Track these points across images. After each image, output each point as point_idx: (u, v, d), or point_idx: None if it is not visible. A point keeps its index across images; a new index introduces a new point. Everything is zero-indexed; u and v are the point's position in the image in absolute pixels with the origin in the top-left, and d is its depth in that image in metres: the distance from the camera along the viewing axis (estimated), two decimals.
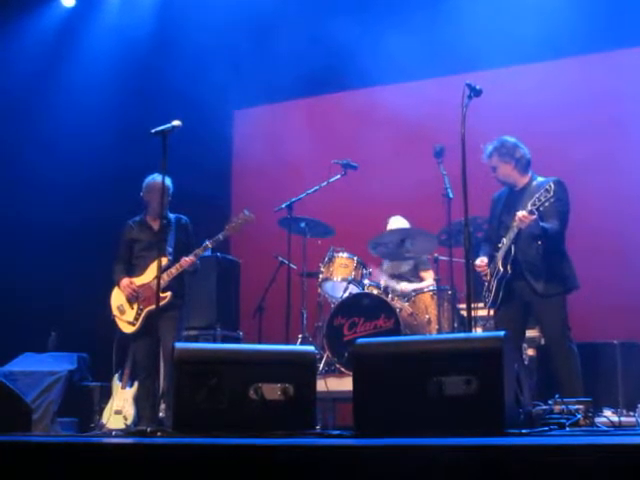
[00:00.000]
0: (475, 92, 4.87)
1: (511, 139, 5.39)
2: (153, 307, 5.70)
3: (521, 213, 4.94)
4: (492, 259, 5.31)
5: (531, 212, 4.91)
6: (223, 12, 8.19)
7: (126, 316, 5.99)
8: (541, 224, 5.02)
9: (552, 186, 4.84)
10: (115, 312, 6.03)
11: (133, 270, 6.06)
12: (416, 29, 7.39)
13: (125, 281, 5.99)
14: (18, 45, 8.36)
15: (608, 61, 7.53)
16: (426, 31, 7.36)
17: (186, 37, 8.41)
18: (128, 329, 5.99)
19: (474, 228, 5.39)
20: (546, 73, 7.61)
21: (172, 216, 6.05)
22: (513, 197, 5.38)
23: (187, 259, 5.87)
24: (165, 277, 5.65)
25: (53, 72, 8.48)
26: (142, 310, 5.93)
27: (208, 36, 8.22)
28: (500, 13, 7.17)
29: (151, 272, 5.87)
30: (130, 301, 5.98)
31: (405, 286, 6.65)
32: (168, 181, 5.77)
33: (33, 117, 8.06)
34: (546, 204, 4.87)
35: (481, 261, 5.34)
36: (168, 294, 5.72)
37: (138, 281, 5.97)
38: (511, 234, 5.14)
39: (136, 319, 5.94)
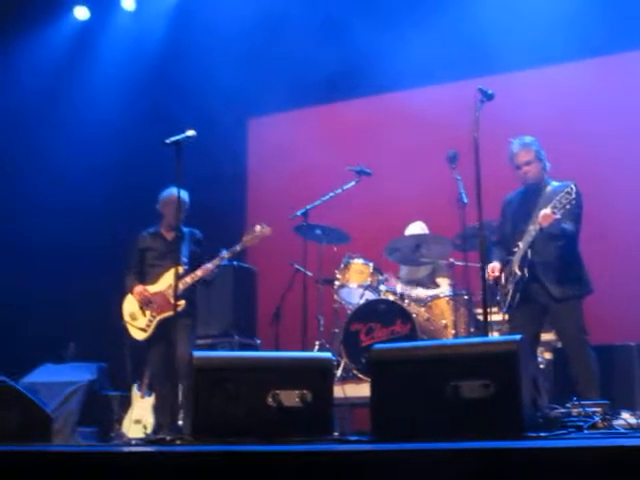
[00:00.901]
0: (487, 96, 4.88)
1: (536, 141, 5.40)
2: (166, 315, 5.75)
3: (544, 212, 4.94)
4: (507, 263, 5.30)
5: (553, 212, 4.92)
6: (236, 21, 8.23)
7: (138, 322, 6.02)
8: (562, 225, 5.02)
9: (573, 188, 4.85)
10: (127, 318, 6.06)
11: (145, 278, 6.09)
12: (429, 35, 7.38)
13: (139, 288, 6.01)
14: (33, 58, 8.43)
15: (622, 63, 7.50)
16: (439, 36, 7.35)
17: (199, 47, 8.44)
18: (139, 335, 6.02)
19: (489, 232, 5.38)
20: (559, 76, 7.58)
21: (186, 229, 6.07)
22: (528, 200, 5.35)
23: (205, 267, 5.89)
24: (180, 286, 5.67)
25: (67, 84, 8.54)
26: (154, 317, 5.95)
27: (222, 45, 8.24)
28: (514, 17, 7.16)
29: (164, 281, 5.91)
30: (143, 308, 6.00)
31: (421, 292, 6.64)
32: (184, 195, 5.81)
33: (49, 127, 8.11)
34: (567, 206, 4.86)
35: (492, 269, 5.31)
36: (182, 302, 5.73)
37: (151, 289, 6.00)
38: (528, 237, 5.12)
39: (148, 326, 5.97)
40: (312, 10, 7.94)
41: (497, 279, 5.31)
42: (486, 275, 5.24)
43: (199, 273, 5.91)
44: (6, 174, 6.74)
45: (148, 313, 5.99)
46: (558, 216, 4.91)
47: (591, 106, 7.39)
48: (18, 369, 6.50)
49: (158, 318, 5.92)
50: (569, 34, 7.21)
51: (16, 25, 8.18)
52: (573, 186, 4.88)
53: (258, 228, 6.03)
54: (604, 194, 6.65)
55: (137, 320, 6.02)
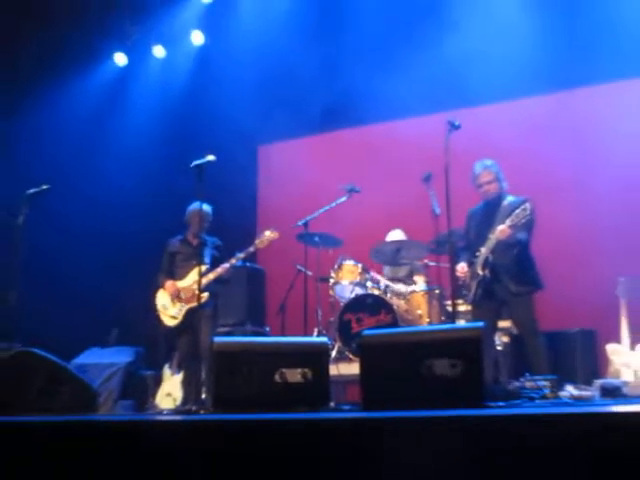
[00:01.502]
0: (455, 127, 4.90)
1: (496, 164, 5.42)
2: (192, 305, 5.75)
3: (502, 227, 4.99)
4: (471, 264, 5.32)
5: (510, 227, 4.96)
6: (248, 63, 8.26)
7: (169, 312, 6.03)
8: (516, 236, 5.06)
9: (528, 206, 4.91)
10: (160, 308, 6.08)
11: (174, 277, 6.11)
12: (408, 75, 7.39)
13: (169, 282, 6.03)
14: (80, 95, 8.43)
15: (570, 98, 7.51)
16: (416, 77, 7.33)
17: (216, 86, 8.46)
18: (171, 322, 6.03)
19: (457, 238, 5.39)
20: (517, 108, 7.60)
21: (208, 238, 6.09)
22: (488, 213, 5.38)
23: (224, 266, 5.92)
24: (203, 281, 5.68)
25: (109, 116, 8.56)
26: (183, 307, 5.97)
27: (235, 84, 8.26)
28: (480, 60, 7.15)
29: (190, 277, 5.93)
30: (173, 299, 6.02)
31: (401, 287, 6.64)
32: (208, 208, 5.84)
33: (96, 153, 8.12)
34: (523, 220, 4.94)
35: (462, 268, 5.35)
36: (206, 294, 5.75)
37: (180, 284, 6.02)
38: (489, 244, 5.15)
39: (178, 314, 5.99)
40: (312, 54, 7.95)
41: (464, 276, 5.34)
42: (456, 273, 5.26)
43: (219, 270, 5.92)
44: (68, 188, 6.71)
45: (178, 304, 6.00)
46: (513, 230, 4.98)
47: (545, 134, 7.40)
48: (69, 352, 6.49)
49: (186, 307, 5.94)
50: (526, 73, 7.20)
51: (67, 68, 8.18)
52: (528, 205, 4.96)
53: (267, 232, 6.06)
54: (555, 205, 6.67)
55: (169, 310, 6.03)
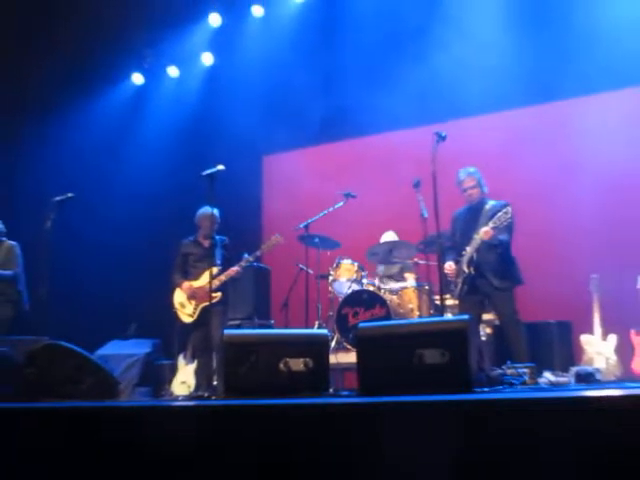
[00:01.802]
0: (442, 138, 4.91)
1: (477, 170, 5.44)
2: (206, 304, 5.75)
3: (485, 229, 5.00)
4: (457, 263, 5.33)
5: (493, 229, 4.97)
6: (253, 80, 8.30)
7: (186, 310, 6.03)
8: (498, 237, 5.06)
9: (509, 210, 4.93)
10: (177, 306, 6.08)
11: (188, 276, 6.11)
12: (399, 91, 7.41)
13: (186, 284, 6.03)
14: (103, 112, 8.47)
15: (552, 110, 7.52)
16: (406, 93, 7.37)
17: (225, 101, 8.49)
18: (187, 319, 6.04)
19: (444, 239, 5.40)
20: (497, 120, 7.61)
21: (217, 237, 6.09)
22: (472, 215, 5.39)
23: (234, 269, 5.92)
24: (216, 282, 5.68)
25: (129, 129, 8.59)
26: (198, 306, 5.96)
27: (242, 100, 8.29)
28: (468, 75, 7.17)
29: (204, 278, 5.92)
30: (189, 299, 6.02)
31: (393, 284, 6.64)
32: (216, 212, 5.83)
33: (116, 163, 8.14)
34: (505, 223, 4.95)
35: (449, 266, 5.35)
36: (219, 294, 5.75)
37: (195, 284, 6.02)
38: (474, 244, 5.16)
39: (194, 312, 5.98)
40: (311, 73, 7.97)
41: (452, 274, 5.34)
42: (444, 270, 5.27)
43: (231, 272, 5.92)
44: (91, 195, 6.71)
45: (193, 302, 6.00)
46: (495, 232, 4.99)
47: (525, 144, 7.40)
48: (93, 344, 6.50)
49: (201, 306, 5.94)
50: (508, 88, 7.20)
51: (91, 86, 8.22)
52: (509, 208, 4.99)
53: (274, 237, 6.06)
54: (535, 209, 6.67)
55: (186, 308, 6.04)
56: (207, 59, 8.83)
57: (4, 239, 6.51)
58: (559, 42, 6.99)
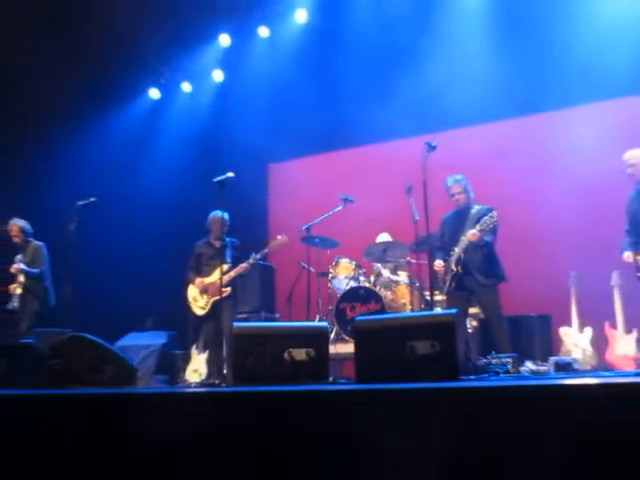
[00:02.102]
0: (432, 148, 4.90)
1: (464, 177, 5.44)
2: (217, 298, 5.75)
3: (472, 231, 5.02)
4: (445, 261, 5.33)
5: (479, 231, 5.00)
6: (259, 93, 8.29)
7: (198, 303, 6.04)
8: (484, 238, 5.07)
9: (495, 214, 4.94)
10: (190, 300, 6.10)
11: (200, 274, 6.12)
12: (394, 104, 7.42)
13: (198, 280, 6.05)
14: (123, 123, 8.49)
15: (530, 122, 7.51)
16: (400, 106, 7.36)
17: (233, 113, 8.51)
18: (200, 312, 6.05)
19: (433, 240, 5.39)
20: (483, 132, 7.61)
21: (228, 239, 6.09)
22: (459, 219, 5.40)
23: (242, 266, 5.93)
24: (226, 278, 5.68)
25: (145, 140, 8.60)
26: (209, 300, 5.97)
27: (249, 111, 8.30)
28: (455, 91, 7.14)
29: (215, 275, 5.92)
30: (201, 293, 6.02)
31: (388, 281, 6.63)
32: (226, 215, 5.83)
33: (134, 170, 8.16)
34: (490, 226, 4.96)
35: (439, 264, 5.36)
36: (228, 289, 5.76)
37: (207, 280, 6.02)
38: (462, 245, 5.17)
39: (205, 305, 5.99)
40: (313, 87, 7.97)
41: (440, 272, 5.34)
42: (434, 268, 5.27)
43: (239, 269, 5.92)
44: (111, 200, 6.70)
45: (205, 297, 6.00)
46: (481, 234, 5.02)
47: (508, 153, 7.38)
48: (113, 336, 6.50)
49: (212, 300, 5.94)
50: (491, 102, 7.20)
51: (112, 99, 8.24)
52: (495, 213, 5.00)
53: (279, 237, 6.06)
54: (517, 211, 6.64)
55: (198, 302, 6.04)
56: (217, 76, 8.85)
57: (31, 239, 6.51)
58: (540, 59, 6.97)
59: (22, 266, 6.22)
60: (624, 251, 5.26)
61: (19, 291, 6.18)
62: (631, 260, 5.12)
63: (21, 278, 6.22)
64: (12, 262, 6.27)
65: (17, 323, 6.18)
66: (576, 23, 6.77)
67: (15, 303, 6.16)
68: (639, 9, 6.56)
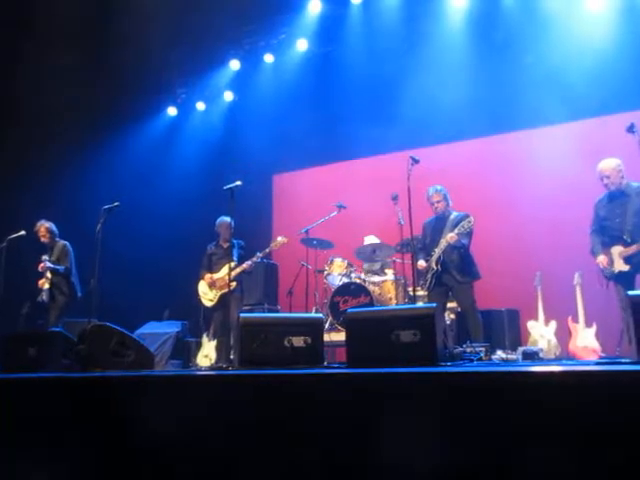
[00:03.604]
0: (415, 161, 4.91)
1: (443, 187, 5.44)
2: (224, 291, 5.75)
3: (451, 234, 5.02)
4: (427, 261, 5.33)
5: (457, 234, 5.01)
6: (264, 112, 8.29)
7: (208, 296, 6.03)
8: (461, 241, 5.07)
9: (471, 220, 4.95)
10: (201, 294, 6.10)
11: (211, 271, 6.12)
12: (379, 121, 7.43)
13: (208, 275, 6.05)
14: (143, 137, 8.48)
15: (505, 140, 7.51)
16: (386, 123, 7.37)
17: (242, 128, 8.53)
18: (209, 304, 6.05)
19: (416, 242, 5.40)
20: (461, 148, 7.62)
21: (235, 241, 6.08)
22: (439, 223, 5.40)
23: (247, 263, 5.93)
24: (232, 274, 5.68)
25: (163, 153, 8.58)
26: (217, 293, 5.96)
27: (256, 128, 8.31)
28: (437, 112, 7.16)
29: (223, 271, 5.92)
30: (210, 287, 6.02)
31: (375, 278, 6.63)
32: (231, 220, 5.81)
33: (154, 178, 8.14)
34: (468, 230, 4.96)
35: (421, 264, 5.36)
36: (234, 283, 5.74)
37: (215, 276, 6.02)
38: (441, 246, 5.17)
39: (214, 297, 5.99)
40: (312, 107, 8.00)
41: (422, 270, 5.34)
42: (417, 267, 5.27)
43: (244, 266, 5.92)
44: (133, 205, 6.66)
45: (214, 290, 5.99)
46: (458, 237, 5.06)
47: (484, 166, 7.42)
48: (134, 325, 6.51)
49: (220, 293, 5.93)
50: (468, 121, 7.22)
51: (134, 116, 8.25)
52: (471, 218, 5.02)
53: (279, 238, 6.06)
54: (491, 217, 6.63)
55: (207, 294, 6.03)
56: (228, 96, 8.87)
57: (58, 239, 6.46)
58: (514, 82, 6.97)
59: (48, 264, 6.17)
60: (596, 253, 4.98)
61: (47, 286, 6.14)
62: (605, 264, 4.86)
63: (48, 274, 6.18)
64: (40, 260, 6.23)
65: (46, 314, 6.15)
66: (548, 48, 6.80)
67: (44, 296, 6.13)
68: (605, 34, 6.55)
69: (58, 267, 6.23)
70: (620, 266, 4.77)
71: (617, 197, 4.85)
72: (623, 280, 4.77)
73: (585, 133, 6.78)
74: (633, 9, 6.61)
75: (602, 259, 4.89)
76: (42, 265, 6.16)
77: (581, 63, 6.50)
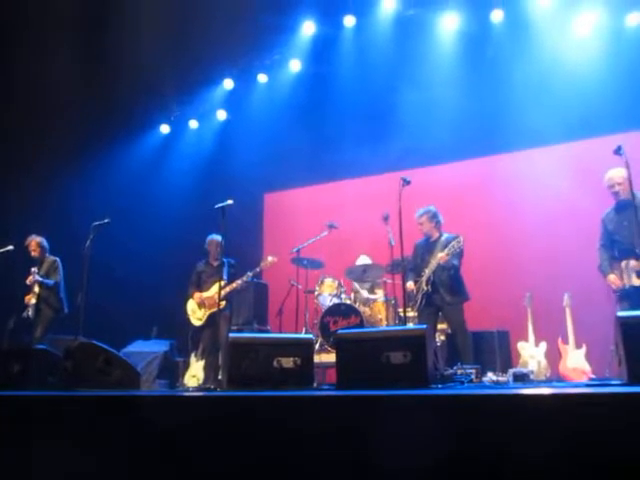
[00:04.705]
0: (406, 182, 4.91)
1: (434, 209, 5.44)
2: (213, 310, 5.70)
3: (441, 255, 5.02)
4: (416, 282, 5.32)
5: (447, 255, 5.01)
6: (256, 131, 8.33)
7: (196, 315, 5.98)
8: (452, 261, 5.07)
9: (461, 241, 4.95)
10: (189, 312, 6.04)
11: (200, 289, 6.07)
12: (371, 145, 7.49)
13: (197, 294, 6.00)
14: (135, 154, 8.48)
15: (495, 161, 7.59)
16: (377, 145, 7.43)
17: (233, 148, 8.53)
18: (197, 323, 5.99)
19: (406, 262, 5.40)
20: (451, 169, 7.68)
21: (225, 259, 6.05)
22: (430, 244, 5.40)
23: (237, 282, 5.89)
24: (222, 293, 5.63)
25: (156, 171, 8.57)
26: (206, 312, 5.91)
27: (248, 147, 8.33)
28: (427, 135, 7.23)
29: (213, 290, 5.88)
30: (199, 306, 5.96)
31: (366, 297, 6.61)
32: (220, 238, 5.78)
33: (145, 196, 8.12)
34: (458, 250, 4.96)
35: (410, 286, 5.35)
36: (223, 303, 5.69)
37: (205, 295, 5.97)
38: (432, 267, 5.17)
39: (202, 317, 5.93)
40: (303, 127, 8.03)
41: (413, 292, 5.33)
42: (406, 289, 5.25)
43: (234, 285, 5.88)
44: (123, 222, 6.61)
45: (202, 309, 5.94)
46: (449, 257, 5.02)
47: (473, 188, 7.47)
48: (120, 343, 6.42)
49: (208, 312, 5.88)
50: (457, 144, 7.30)
51: (127, 133, 8.26)
52: (461, 239, 5.02)
53: (269, 258, 6.03)
54: (481, 239, 6.66)
55: (196, 313, 5.98)
56: (221, 115, 8.89)
57: (48, 254, 6.42)
58: (504, 105, 7.05)
59: (37, 277, 6.11)
60: (605, 271, 4.78)
61: (33, 301, 6.07)
62: (617, 284, 4.63)
63: (36, 289, 6.11)
64: (29, 273, 6.17)
65: (32, 330, 6.07)
66: (539, 71, 6.90)
67: (29, 312, 6.05)
68: (591, 58, 6.66)
69: (47, 281, 6.17)
70: (634, 281, 4.53)
71: (624, 208, 4.69)
72: (636, 296, 4.51)
73: (574, 155, 6.87)
74: (620, 32, 6.74)
75: (613, 279, 4.66)
76: (31, 278, 6.10)
77: (571, 86, 6.60)
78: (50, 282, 6.19)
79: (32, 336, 6.01)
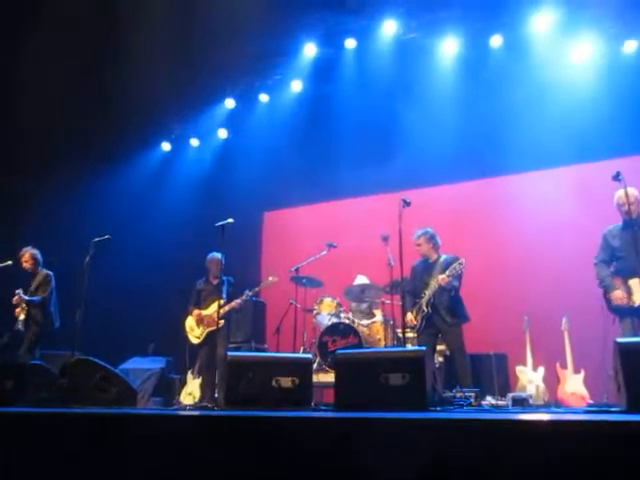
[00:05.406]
0: (407, 203, 4.92)
1: (431, 230, 5.45)
2: (212, 329, 5.68)
3: (442, 276, 5.01)
4: (415, 304, 5.31)
5: (448, 276, 5.02)
6: (256, 151, 8.37)
7: (194, 333, 5.95)
8: (452, 283, 5.07)
9: (462, 263, 4.95)
10: (187, 330, 6.01)
11: (199, 307, 6.05)
12: (371, 166, 7.52)
13: (196, 311, 5.97)
14: (136, 172, 8.50)
15: (488, 184, 7.63)
16: (376, 166, 7.47)
17: (233, 167, 8.57)
18: (195, 341, 5.96)
19: (405, 283, 5.39)
20: (449, 191, 7.71)
21: (224, 277, 6.04)
22: (428, 266, 5.40)
23: (236, 301, 5.87)
24: (221, 311, 5.62)
25: (157, 187, 8.61)
26: (205, 330, 5.88)
27: (247, 166, 8.36)
28: (426, 158, 7.28)
29: (212, 308, 5.86)
30: (197, 324, 5.94)
31: (364, 318, 6.58)
32: (221, 256, 5.77)
33: (145, 213, 8.12)
34: (458, 272, 4.96)
35: (410, 318, 5.29)
36: (222, 321, 5.67)
37: (204, 312, 5.95)
38: (432, 288, 5.16)
39: (201, 334, 5.90)
40: (302, 148, 8.10)
41: (413, 323, 5.30)
42: (407, 321, 5.20)
43: (233, 304, 5.86)
44: (124, 238, 6.60)
45: (201, 327, 5.91)
46: (450, 279, 5.01)
47: (471, 209, 7.49)
48: (117, 360, 6.37)
49: (207, 330, 5.85)
50: (455, 166, 7.34)
51: (129, 151, 8.30)
52: (463, 261, 5.02)
53: (270, 278, 6.03)
54: (479, 262, 6.65)
55: (194, 331, 5.95)
56: (222, 134, 8.94)
57: (41, 268, 6.37)
58: (501, 130, 7.11)
59: (22, 296, 6.07)
60: (608, 286, 4.68)
61: (22, 317, 6.03)
62: (623, 300, 4.53)
63: (24, 304, 6.08)
64: (20, 287, 6.14)
65: (20, 345, 6.03)
66: (537, 96, 6.96)
67: (20, 325, 6.01)
68: (590, 84, 6.73)
69: (33, 298, 6.09)
70: None
71: (632, 226, 4.65)
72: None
73: (573, 178, 6.90)
74: (617, 59, 6.83)
75: (619, 295, 4.55)
76: (16, 298, 6.05)
77: (569, 110, 6.67)
78: (37, 299, 6.10)
79: (19, 351, 5.97)
